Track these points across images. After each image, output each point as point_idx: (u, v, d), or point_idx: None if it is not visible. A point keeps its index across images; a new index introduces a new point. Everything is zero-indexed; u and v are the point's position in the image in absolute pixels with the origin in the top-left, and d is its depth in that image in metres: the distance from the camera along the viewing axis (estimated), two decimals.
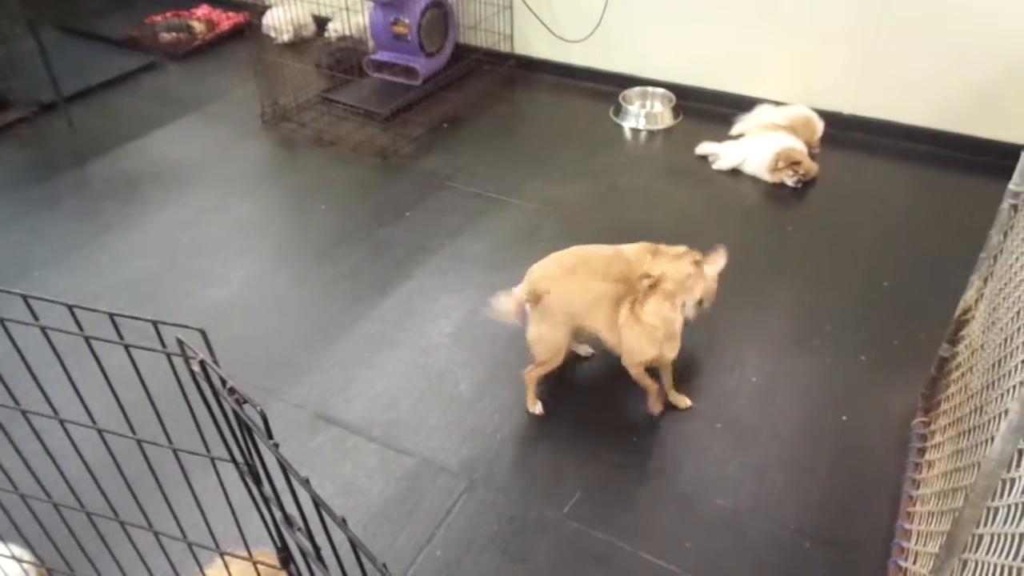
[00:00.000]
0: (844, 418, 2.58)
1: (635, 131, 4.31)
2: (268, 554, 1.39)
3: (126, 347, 1.05)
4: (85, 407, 1.26)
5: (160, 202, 3.77)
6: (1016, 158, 2.08)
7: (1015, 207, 2.10)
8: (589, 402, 2.68)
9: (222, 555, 1.33)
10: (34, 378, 1.26)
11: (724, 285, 3.12)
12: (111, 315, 1.03)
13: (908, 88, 3.89)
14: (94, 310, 1.03)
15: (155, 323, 1.00)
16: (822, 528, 2.24)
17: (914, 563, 1.95)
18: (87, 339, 1.08)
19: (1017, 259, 1.89)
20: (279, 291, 3.22)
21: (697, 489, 2.37)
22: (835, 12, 3.87)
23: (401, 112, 4.33)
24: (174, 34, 5.30)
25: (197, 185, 3.91)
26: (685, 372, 2.76)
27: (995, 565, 1.33)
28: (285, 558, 1.29)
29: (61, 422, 1.23)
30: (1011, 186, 2.10)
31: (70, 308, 1.05)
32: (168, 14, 5.53)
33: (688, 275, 2.40)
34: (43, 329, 1.09)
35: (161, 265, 3.35)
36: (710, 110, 4.35)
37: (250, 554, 1.33)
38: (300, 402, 2.69)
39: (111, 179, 3.95)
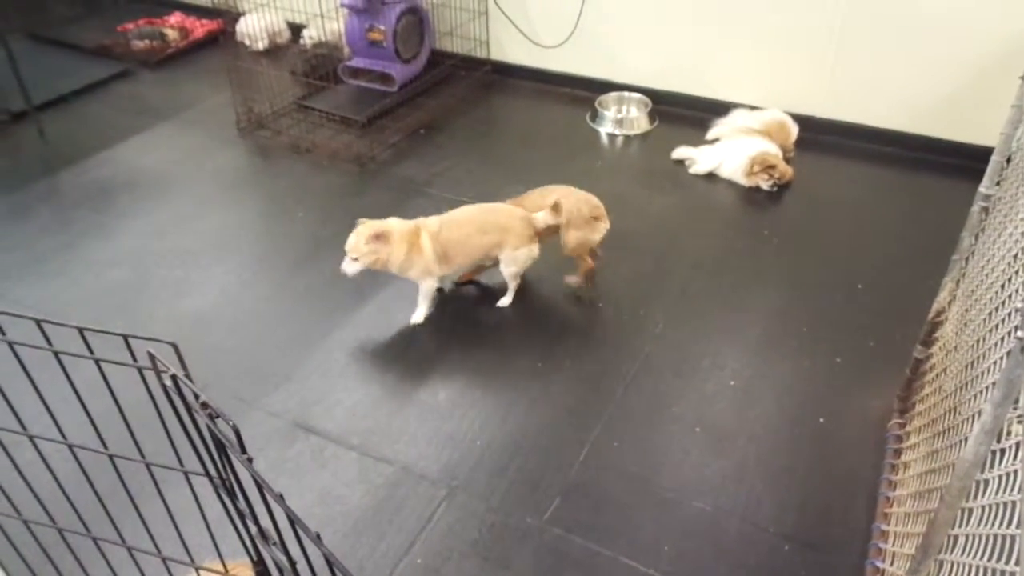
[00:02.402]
0: (821, 420, 2.60)
1: (611, 136, 4.33)
2: (245, 567, 1.38)
3: (96, 362, 1.04)
4: (55, 422, 1.23)
5: (134, 211, 3.73)
6: (986, 161, 2.11)
7: (985, 209, 2.14)
8: (567, 409, 2.68)
9: (197, 569, 1.31)
10: (1, 393, 1.24)
11: (702, 288, 3.15)
12: (80, 329, 1.01)
13: (880, 92, 3.94)
14: (63, 324, 1.01)
15: (126, 337, 0.99)
16: (801, 530, 2.26)
17: (891, 564, 1.97)
18: (56, 354, 1.06)
19: (988, 261, 1.91)
20: (256, 300, 3.20)
21: (677, 493, 2.37)
22: (808, 17, 3.91)
23: (378, 119, 4.31)
24: (147, 42, 5.25)
25: (172, 194, 3.87)
26: (665, 375, 2.77)
27: (970, 566, 1.34)
28: (261, 572, 1.28)
29: (31, 438, 1.21)
30: (981, 189, 2.13)
31: (38, 323, 1.03)
32: (141, 21, 5.48)
33: None
34: (11, 344, 1.07)
35: (136, 275, 3.31)
36: (686, 115, 4.38)
37: (225, 568, 1.32)
38: (278, 411, 2.67)
39: (84, 188, 3.90)
